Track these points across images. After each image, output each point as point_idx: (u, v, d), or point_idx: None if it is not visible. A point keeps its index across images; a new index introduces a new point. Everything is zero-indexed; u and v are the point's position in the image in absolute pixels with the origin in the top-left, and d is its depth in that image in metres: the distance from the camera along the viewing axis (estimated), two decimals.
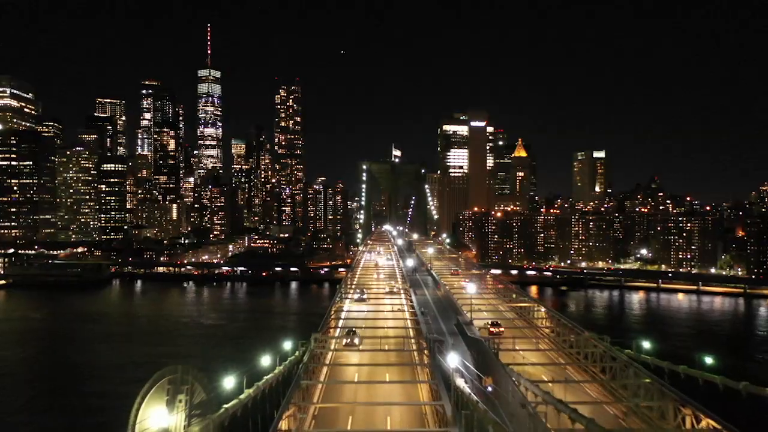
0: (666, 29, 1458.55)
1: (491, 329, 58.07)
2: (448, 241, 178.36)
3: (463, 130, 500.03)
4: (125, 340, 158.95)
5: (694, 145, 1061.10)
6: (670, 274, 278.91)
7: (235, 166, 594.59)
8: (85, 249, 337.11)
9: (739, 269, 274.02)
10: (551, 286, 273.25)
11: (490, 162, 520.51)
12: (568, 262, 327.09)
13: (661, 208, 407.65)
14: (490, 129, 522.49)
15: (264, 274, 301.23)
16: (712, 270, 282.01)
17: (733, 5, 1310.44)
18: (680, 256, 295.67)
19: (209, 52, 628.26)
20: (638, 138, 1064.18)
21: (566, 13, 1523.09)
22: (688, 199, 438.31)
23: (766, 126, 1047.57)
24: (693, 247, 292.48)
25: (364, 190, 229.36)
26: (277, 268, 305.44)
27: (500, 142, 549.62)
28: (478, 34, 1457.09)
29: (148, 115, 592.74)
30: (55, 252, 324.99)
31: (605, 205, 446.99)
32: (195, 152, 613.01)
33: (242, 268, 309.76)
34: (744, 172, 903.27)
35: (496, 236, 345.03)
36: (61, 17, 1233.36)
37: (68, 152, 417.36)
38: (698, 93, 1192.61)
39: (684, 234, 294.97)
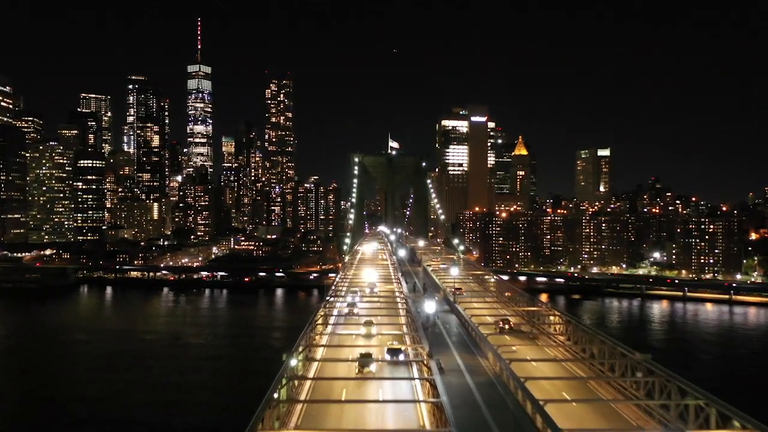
0: (667, 29, 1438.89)
1: None
2: (461, 248, 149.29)
3: (463, 125, 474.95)
4: (70, 367, 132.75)
5: (690, 146, 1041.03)
6: (690, 281, 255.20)
7: (225, 164, 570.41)
8: (54, 251, 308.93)
9: None
10: (563, 294, 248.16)
11: (490, 160, 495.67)
12: (579, 267, 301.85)
13: (670, 208, 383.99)
14: (491, 125, 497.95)
15: (246, 279, 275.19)
16: (738, 276, 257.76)
17: (734, 5, 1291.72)
18: (702, 261, 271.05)
19: (199, 47, 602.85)
20: (636, 138, 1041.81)
21: (568, 12, 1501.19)
22: (693, 199, 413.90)
23: (764, 127, 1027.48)
24: (716, 250, 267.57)
25: (355, 185, 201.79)
26: (261, 273, 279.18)
27: (500, 140, 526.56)
28: (478, 33, 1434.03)
29: (133, 111, 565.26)
30: (20, 254, 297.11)
31: (611, 206, 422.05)
32: (185, 150, 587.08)
33: (223, 273, 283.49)
34: (741, 173, 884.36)
35: (500, 239, 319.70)
36: (53, 14, 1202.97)
37: (41, 147, 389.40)
38: (697, 93, 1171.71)
39: (706, 237, 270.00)
